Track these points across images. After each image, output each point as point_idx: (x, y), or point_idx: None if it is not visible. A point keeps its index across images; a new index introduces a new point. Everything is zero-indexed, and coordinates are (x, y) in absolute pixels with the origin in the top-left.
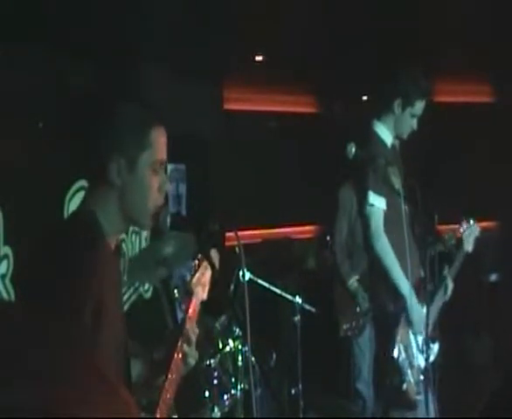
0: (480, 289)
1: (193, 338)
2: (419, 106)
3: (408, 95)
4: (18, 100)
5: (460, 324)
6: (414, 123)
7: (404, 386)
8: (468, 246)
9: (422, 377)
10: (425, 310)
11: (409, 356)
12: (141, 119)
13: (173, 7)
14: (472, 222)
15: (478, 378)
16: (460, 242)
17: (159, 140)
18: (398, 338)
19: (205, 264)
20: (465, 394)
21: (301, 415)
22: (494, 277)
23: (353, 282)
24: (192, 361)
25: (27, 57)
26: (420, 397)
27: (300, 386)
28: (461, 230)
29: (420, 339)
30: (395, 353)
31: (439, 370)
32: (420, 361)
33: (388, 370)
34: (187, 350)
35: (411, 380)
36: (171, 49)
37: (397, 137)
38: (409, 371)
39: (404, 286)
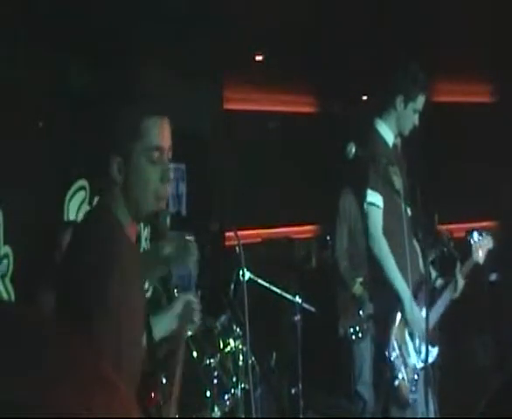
0: (481, 289)
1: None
2: (421, 100)
3: (409, 90)
4: (18, 100)
5: (461, 324)
6: (416, 119)
7: (396, 382)
8: (478, 257)
9: (416, 376)
10: (424, 310)
11: (403, 354)
12: (132, 112)
13: (173, 6)
14: (484, 234)
15: (478, 378)
16: (469, 249)
17: (153, 128)
18: (393, 336)
19: None
20: (465, 394)
21: (301, 415)
22: (494, 277)
23: (358, 287)
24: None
25: (27, 56)
26: (414, 396)
27: (300, 386)
28: (471, 240)
29: (418, 339)
30: (389, 351)
31: (438, 370)
32: (415, 361)
33: (381, 367)
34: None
35: (405, 378)
36: (171, 48)
37: (399, 134)
38: (402, 369)
39: (402, 287)
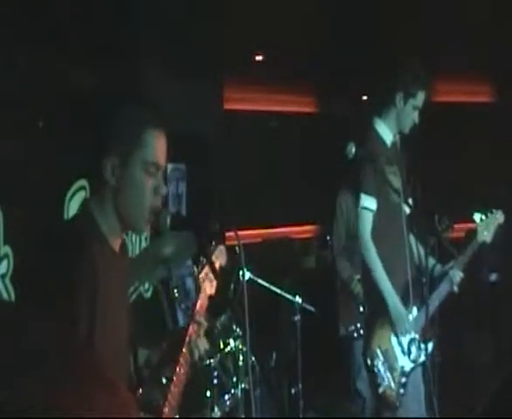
0: (481, 288)
1: (201, 332)
2: (421, 96)
3: (409, 86)
4: (18, 100)
5: (460, 323)
6: (416, 116)
7: (381, 390)
8: (485, 236)
9: (404, 379)
10: (414, 312)
11: (389, 360)
12: (135, 119)
13: (173, 6)
14: (495, 211)
15: (478, 378)
16: (474, 232)
17: (154, 142)
18: (376, 343)
19: (213, 258)
20: (465, 394)
21: (301, 415)
22: (494, 276)
23: (356, 284)
24: (197, 354)
25: (27, 56)
26: (403, 399)
27: (300, 386)
28: (477, 219)
29: (405, 340)
30: (372, 359)
31: (438, 370)
32: (404, 363)
33: (367, 373)
34: (194, 344)
35: (392, 383)
36: (171, 48)
37: (399, 132)
38: (388, 374)
39: (387, 288)
